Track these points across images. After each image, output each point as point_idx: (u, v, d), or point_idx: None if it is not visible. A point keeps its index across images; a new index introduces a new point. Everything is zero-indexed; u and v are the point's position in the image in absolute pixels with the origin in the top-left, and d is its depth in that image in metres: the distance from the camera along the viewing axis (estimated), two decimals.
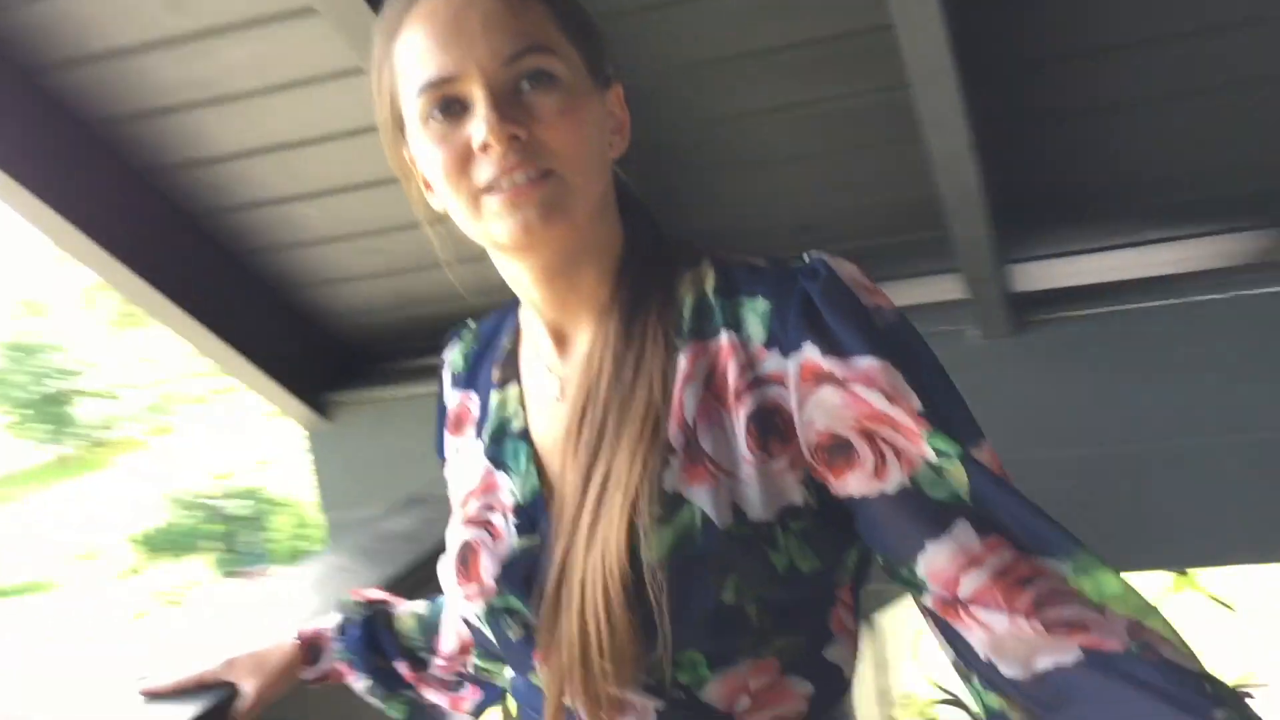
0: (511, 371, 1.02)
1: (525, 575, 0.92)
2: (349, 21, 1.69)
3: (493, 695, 1.27)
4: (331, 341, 2.73)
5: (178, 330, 2.39)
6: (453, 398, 1.09)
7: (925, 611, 0.84)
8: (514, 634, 0.94)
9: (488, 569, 0.94)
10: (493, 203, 0.86)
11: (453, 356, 1.11)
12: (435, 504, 2.08)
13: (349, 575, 1.73)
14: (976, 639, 0.80)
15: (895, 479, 0.82)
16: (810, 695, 0.91)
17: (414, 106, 0.88)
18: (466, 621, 1.01)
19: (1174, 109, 1.98)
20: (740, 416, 0.86)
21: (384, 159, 2.20)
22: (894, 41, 1.67)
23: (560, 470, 0.93)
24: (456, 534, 0.99)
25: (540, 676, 0.93)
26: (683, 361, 0.88)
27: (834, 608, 0.92)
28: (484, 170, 0.85)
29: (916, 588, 0.83)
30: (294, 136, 2.19)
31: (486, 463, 1.00)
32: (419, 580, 1.75)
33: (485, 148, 0.84)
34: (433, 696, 1.28)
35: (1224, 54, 1.87)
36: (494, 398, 1.02)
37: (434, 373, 2.80)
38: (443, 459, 1.13)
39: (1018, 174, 2.07)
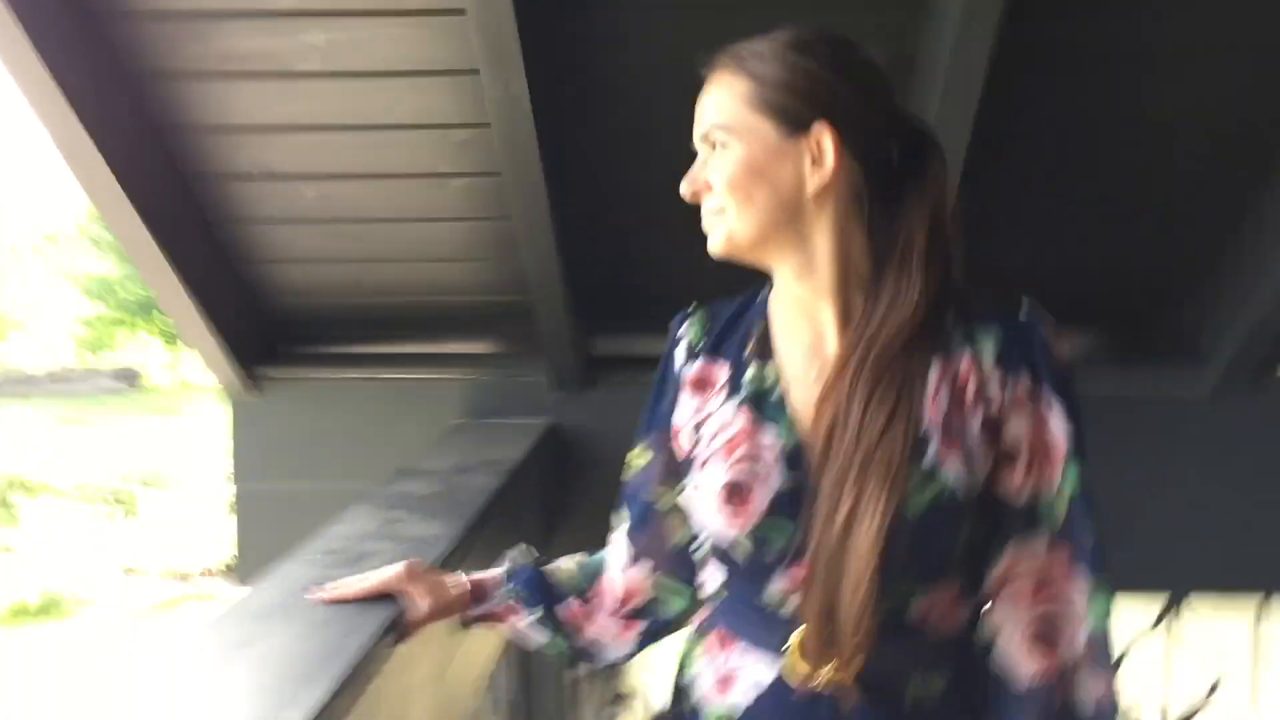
0: (768, 350, 1.31)
1: (794, 505, 1.22)
2: (490, 22, 1.90)
3: (656, 626, 1.48)
4: (273, 318, 2.84)
5: (151, 277, 2.46)
6: (692, 365, 1.36)
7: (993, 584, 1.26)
8: (774, 551, 1.23)
9: (762, 497, 1.23)
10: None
11: (690, 331, 1.38)
12: (427, 475, 2.30)
13: (415, 517, 1.93)
14: (996, 618, 1.25)
15: (1029, 488, 1.23)
16: (966, 619, 1.28)
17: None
18: (716, 544, 1.27)
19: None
20: (977, 416, 1.22)
21: (388, 157, 2.39)
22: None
23: (815, 430, 1.23)
24: (717, 470, 1.26)
25: (793, 589, 1.23)
26: (939, 368, 1.23)
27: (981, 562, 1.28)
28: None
29: (1002, 562, 1.24)
30: (321, 120, 2.35)
31: (748, 417, 1.27)
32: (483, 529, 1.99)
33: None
34: (601, 626, 1.47)
35: None
36: (753, 367, 1.31)
37: (364, 360, 2.96)
38: (658, 413, 1.41)
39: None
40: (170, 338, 28.93)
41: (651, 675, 3.06)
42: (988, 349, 1.24)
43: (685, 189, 1.26)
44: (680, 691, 1.41)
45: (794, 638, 1.24)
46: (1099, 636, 1.22)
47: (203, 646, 1.36)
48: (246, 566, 2.96)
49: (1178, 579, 2.74)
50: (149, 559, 15.09)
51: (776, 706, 1.26)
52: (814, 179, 1.23)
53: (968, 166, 2.13)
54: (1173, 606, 2.82)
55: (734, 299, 1.41)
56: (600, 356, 2.91)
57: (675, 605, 1.47)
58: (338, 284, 2.77)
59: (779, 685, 1.26)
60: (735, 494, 1.24)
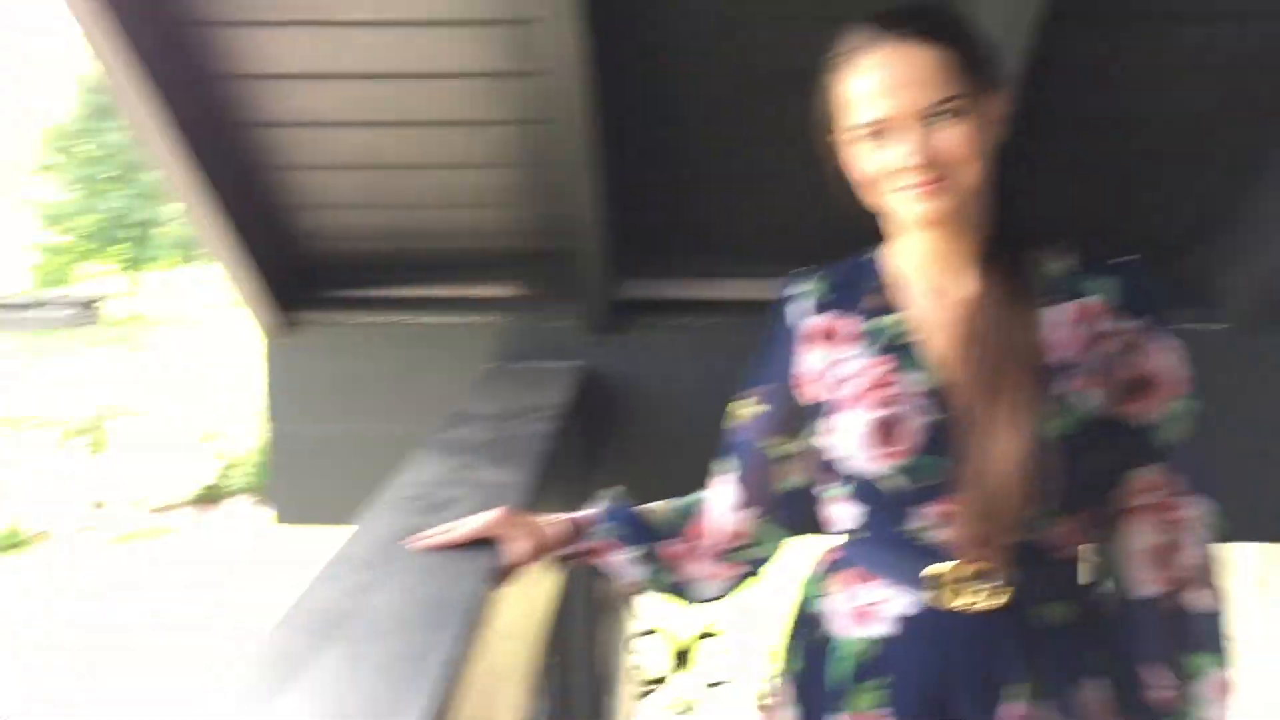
0: (897, 302, 1.42)
1: (943, 440, 1.34)
2: None
3: (754, 567, 1.57)
4: (308, 262, 2.86)
5: (202, 217, 2.48)
6: (816, 319, 1.47)
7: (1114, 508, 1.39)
8: (923, 484, 1.34)
9: (913, 435, 1.34)
10: (905, 197, 1.31)
11: (811, 289, 1.49)
12: (480, 420, 2.34)
13: (483, 463, 1.98)
14: (1122, 540, 1.38)
15: (1155, 415, 1.36)
16: (1090, 545, 1.41)
17: (855, 127, 1.33)
18: (861, 482, 1.38)
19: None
20: (1105, 350, 1.35)
21: (429, 104, 2.41)
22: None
23: (955, 371, 1.35)
24: (859, 414, 1.37)
25: (939, 521, 1.34)
26: (1072, 309, 1.35)
27: (1103, 492, 1.40)
28: (902, 178, 1.30)
29: (1123, 488, 1.37)
30: (365, 69, 2.35)
31: (887, 362, 1.39)
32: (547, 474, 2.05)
33: (907, 168, 1.29)
34: (701, 565, 1.55)
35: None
36: (886, 318, 1.41)
37: (395, 303, 2.99)
38: (771, 368, 1.51)
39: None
40: (129, 267, 28.57)
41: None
42: (1112, 295, 1.36)
43: (920, 159, 1.28)
44: (806, 624, 1.51)
45: (943, 565, 1.35)
46: (1209, 556, 1.36)
47: (322, 595, 1.41)
48: (283, 504, 3.01)
49: None
50: (117, 492, 15.06)
51: (923, 633, 1.36)
52: (995, 140, 1.34)
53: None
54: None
55: (840, 262, 1.50)
56: (629, 300, 2.96)
57: (773, 549, 1.57)
58: (371, 229, 2.79)
59: (924, 615, 1.36)
60: (885, 431, 1.35)
